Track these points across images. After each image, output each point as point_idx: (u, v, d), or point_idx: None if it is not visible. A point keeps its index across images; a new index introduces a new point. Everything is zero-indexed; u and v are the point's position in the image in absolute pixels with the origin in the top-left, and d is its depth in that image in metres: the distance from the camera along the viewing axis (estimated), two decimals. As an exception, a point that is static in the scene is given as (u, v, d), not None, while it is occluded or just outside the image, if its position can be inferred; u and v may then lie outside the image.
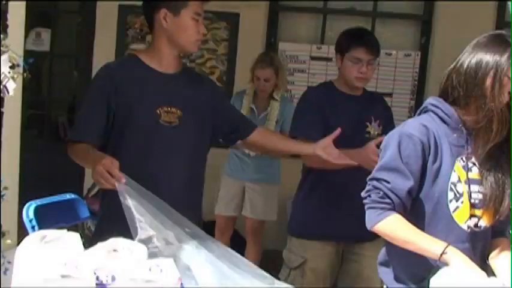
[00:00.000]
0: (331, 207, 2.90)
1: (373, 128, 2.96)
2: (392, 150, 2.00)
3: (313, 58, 5.50)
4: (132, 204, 1.91)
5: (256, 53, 4.59)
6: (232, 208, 4.47)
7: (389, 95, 5.47)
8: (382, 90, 5.45)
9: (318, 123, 2.86)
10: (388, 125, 2.96)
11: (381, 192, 1.97)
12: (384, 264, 2.17)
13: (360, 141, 2.74)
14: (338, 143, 2.60)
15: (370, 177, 2.04)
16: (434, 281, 1.73)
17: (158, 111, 2.37)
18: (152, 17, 2.42)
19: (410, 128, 2.01)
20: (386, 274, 2.16)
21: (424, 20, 5.43)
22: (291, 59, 5.52)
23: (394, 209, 1.96)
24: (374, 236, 2.58)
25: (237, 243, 4.70)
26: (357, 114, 2.95)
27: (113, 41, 5.67)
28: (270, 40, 5.62)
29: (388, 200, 1.96)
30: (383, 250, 2.18)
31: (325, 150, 2.51)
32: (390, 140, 2.04)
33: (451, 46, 5.11)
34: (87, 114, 2.42)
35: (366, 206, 2.03)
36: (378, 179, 2.00)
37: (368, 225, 2.02)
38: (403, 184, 1.95)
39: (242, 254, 4.72)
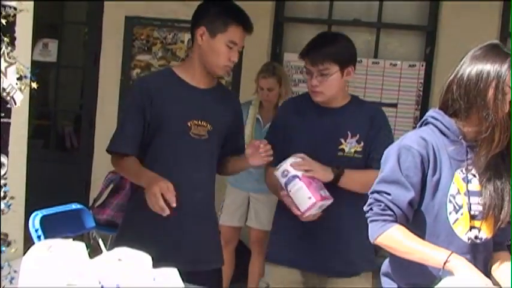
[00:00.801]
0: (304, 235, 2.63)
1: (348, 145, 2.61)
2: (391, 163, 2.01)
3: (317, 69, 5.50)
4: None
5: (262, 64, 4.61)
6: (237, 218, 4.47)
7: (394, 105, 5.47)
8: (386, 100, 5.46)
9: (277, 147, 2.60)
10: (374, 139, 2.62)
11: (382, 205, 1.98)
12: (387, 275, 2.17)
13: (329, 160, 2.55)
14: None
15: (371, 190, 2.05)
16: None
17: (189, 124, 2.45)
18: (193, 31, 2.50)
19: (409, 141, 2.01)
20: (389, 285, 2.16)
21: (429, 30, 5.44)
22: (296, 69, 5.53)
23: (396, 220, 1.97)
24: (351, 273, 2.60)
25: (242, 254, 4.70)
26: (328, 131, 2.62)
27: (119, 52, 5.70)
28: (275, 51, 5.63)
29: (390, 212, 1.97)
30: (386, 261, 2.19)
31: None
32: (389, 153, 2.05)
33: (456, 56, 5.12)
34: (126, 126, 2.47)
35: (368, 220, 2.03)
36: (378, 192, 2.01)
37: (371, 238, 2.02)
38: (403, 196, 1.96)
39: (246, 264, 4.75)
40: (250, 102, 4.48)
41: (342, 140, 2.60)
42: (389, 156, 2.04)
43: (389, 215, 1.97)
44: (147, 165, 2.41)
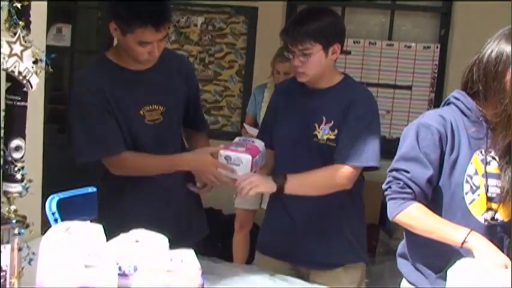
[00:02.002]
0: (291, 227, 2.55)
1: (321, 132, 2.43)
2: (410, 140, 2.01)
3: (332, 51, 5.48)
4: None
5: (275, 47, 4.60)
6: (252, 201, 4.48)
7: (409, 87, 5.45)
8: (401, 83, 5.44)
9: (266, 127, 2.64)
10: (345, 128, 2.40)
11: (401, 183, 1.98)
12: (403, 256, 2.17)
13: (305, 146, 2.45)
14: (282, 149, 2.50)
15: (389, 168, 2.05)
16: (452, 271, 1.74)
17: (141, 112, 2.35)
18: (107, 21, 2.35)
19: (428, 119, 2.02)
20: (405, 266, 2.16)
21: (444, 12, 5.39)
22: (310, 52, 5.51)
23: (415, 198, 1.97)
24: (335, 265, 2.52)
25: (256, 237, 4.71)
26: (307, 114, 2.48)
27: (132, 36, 5.70)
28: (288, 34, 5.61)
29: (408, 190, 1.97)
30: (402, 242, 2.19)
31: None
32: (408, 130, 2.05)
33: (471, 38, 5.08)
34: (98, 128, 2.31)
35: (387, 198, 2.04)
36: (397, 170, 2.01)
37: (390, 216, 2.02)
38: (422, 173, 1.96)
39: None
40: (265, 85, 4.48)
41: (316, 125, 2.45)
42: (407, 134, 2.04)
43: (408, 193, 1.97)
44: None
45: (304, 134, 2.46)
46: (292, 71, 2.55)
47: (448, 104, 2.08)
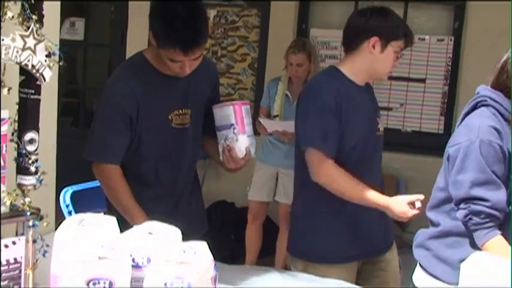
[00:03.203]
0: (350, 223, 2.51)
1: (380, 124, 2.59)
2: (475, 161, 1.94)
3: (344, 44, 5.47)
4: None
5: (288, 40, 4.60)
6: (265, 193, 4.49)
7: (423, 80, 5.43)
8: (415, 75, 5.42)
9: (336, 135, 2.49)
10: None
11: (483, 214, 1.94)
12: (422, 246, 2.17)
13: (373, 141, 2.53)
14: (354, 148, 2.45)
15: (463, 196, 1.99)
16: (465, 264, 1.73)
17: (170, 116, 2.32)
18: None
19: (486, 134, 1.95)
20: (424, 257, 2.17)
21: (457, 4, 5.36)
22: (323, 45, 5.51)
23: (500, 223, 1.94)
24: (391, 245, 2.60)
25: (269, 230, 4.73)
26: (369, 110, 2.56)
27: (146, 30, 5.66)
28: (301, 26, 5.61)
29: (491, 222, 1.94)
30: (421, 232, 2.19)
31: None
32: (468, 150, 1.97)
33: (485, 31, 5.08)
34: (110, 136, 2.28)
35: (471, 228, 1.99)
36: (474, 199, 1.95)
37: (478, 245, 1.99)
38: (502, 196, 1.93)
39: (274, 240, 4.77)
40: (279, 78, 4.47)
41: (378, 119, 2.61)
42: (469, 154, 1.96)
43: (492, 221, 1.94)
44: (130, 165, 2.32)
45: (371, 129, 2.53)
46: (388, 70, 2.55)
47: (483, 106, 2.02)
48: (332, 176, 2.38)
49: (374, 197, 2.36)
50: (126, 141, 2.28)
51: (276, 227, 4.73)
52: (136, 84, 2.27)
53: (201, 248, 1.51)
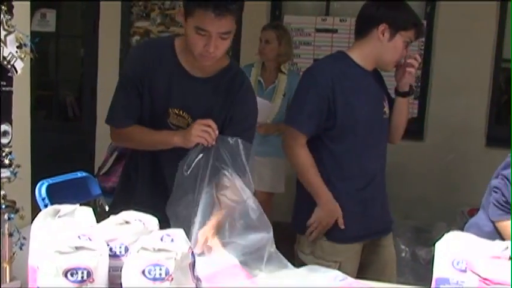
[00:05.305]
0: (363, 203, 2.59)
1: (386, 107, 2.65)
2: None
3: (318, 30, 5.49)
4: None
5: (261, 26, 4.59)
6: (272, 184, 4.46)
7: (396, 65, 5.45)
8: (388, 60, 5.44)
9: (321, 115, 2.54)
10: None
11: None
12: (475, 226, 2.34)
13: (379, 124, 2.61)
14: (361, 130, 2.51)
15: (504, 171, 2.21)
16: (439, 243, 1.76)
17: (169, 110, 2.23)
18: None
19: None
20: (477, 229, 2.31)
21: (429, -12, 5.39)
22: (296, 32, 5.51)
23: None
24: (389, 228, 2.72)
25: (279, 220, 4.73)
26: (376, 92, 2.63)
27: (117, 19, 5.68)
28: (274, 13, 5.60)
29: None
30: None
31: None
32: None
33: (457, 15, 5.10)
34: (120, 97, 2.27)
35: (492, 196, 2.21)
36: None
37: (491, 217, 2.21)
38: None
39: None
40: (253, 64, 4.48)
41: (384, 102, 2.67)
42: None
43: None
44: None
45: (378, 111, 2.61)
46: (398, 57, 2.61)
47: None
48: (297, 155, 2.55)
49: (319, 187, 2.53)
50: (136, 103, 2.25)
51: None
52: (153, 60, 2.22)
53: (178, 236, 1.52)
